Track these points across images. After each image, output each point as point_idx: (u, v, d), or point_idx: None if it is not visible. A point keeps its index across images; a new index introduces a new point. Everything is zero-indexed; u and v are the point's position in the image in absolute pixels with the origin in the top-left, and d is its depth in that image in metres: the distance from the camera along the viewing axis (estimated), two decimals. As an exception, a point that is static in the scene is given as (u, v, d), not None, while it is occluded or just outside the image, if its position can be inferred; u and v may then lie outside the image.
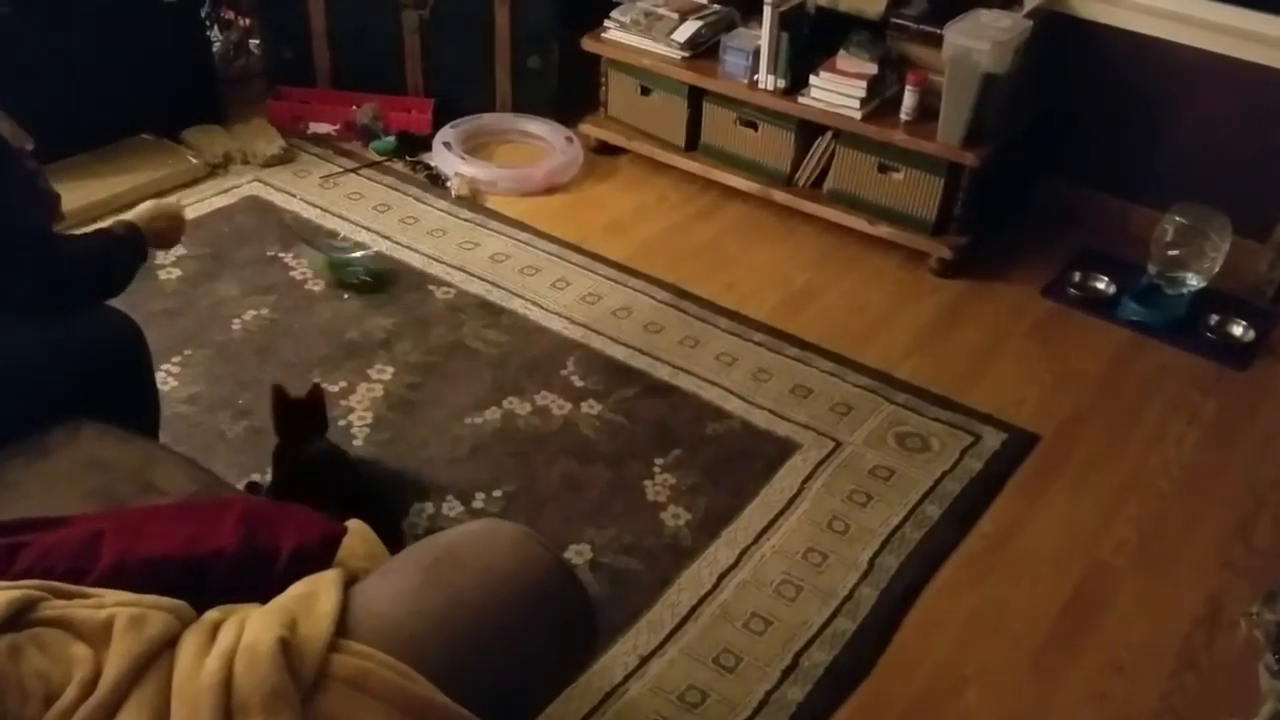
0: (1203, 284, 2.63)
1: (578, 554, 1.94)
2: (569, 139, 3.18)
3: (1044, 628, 1.88)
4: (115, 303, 1.58)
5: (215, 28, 3.41)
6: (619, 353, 2.44)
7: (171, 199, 1.81)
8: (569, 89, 3.26)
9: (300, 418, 1.93)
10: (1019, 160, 2.88)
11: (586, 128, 3.21)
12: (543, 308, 2.58)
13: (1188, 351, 2.55)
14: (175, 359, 2.29)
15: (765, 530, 2.02)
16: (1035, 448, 2.25)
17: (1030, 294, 2.73)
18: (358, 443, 2.15)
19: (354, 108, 3.19)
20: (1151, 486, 2.18)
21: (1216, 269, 2.62)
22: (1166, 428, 2.33)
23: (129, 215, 1.67)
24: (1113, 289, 2.70)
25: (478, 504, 2.03)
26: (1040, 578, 1.97)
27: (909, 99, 2.66)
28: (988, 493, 2.13)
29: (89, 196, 2.68)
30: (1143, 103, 2.80)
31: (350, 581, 1.02)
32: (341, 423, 2.19)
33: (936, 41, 2.58)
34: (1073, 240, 2.91)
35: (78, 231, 1.56)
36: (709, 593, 1.89)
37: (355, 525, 1.17)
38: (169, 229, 1.72)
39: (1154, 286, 2.65)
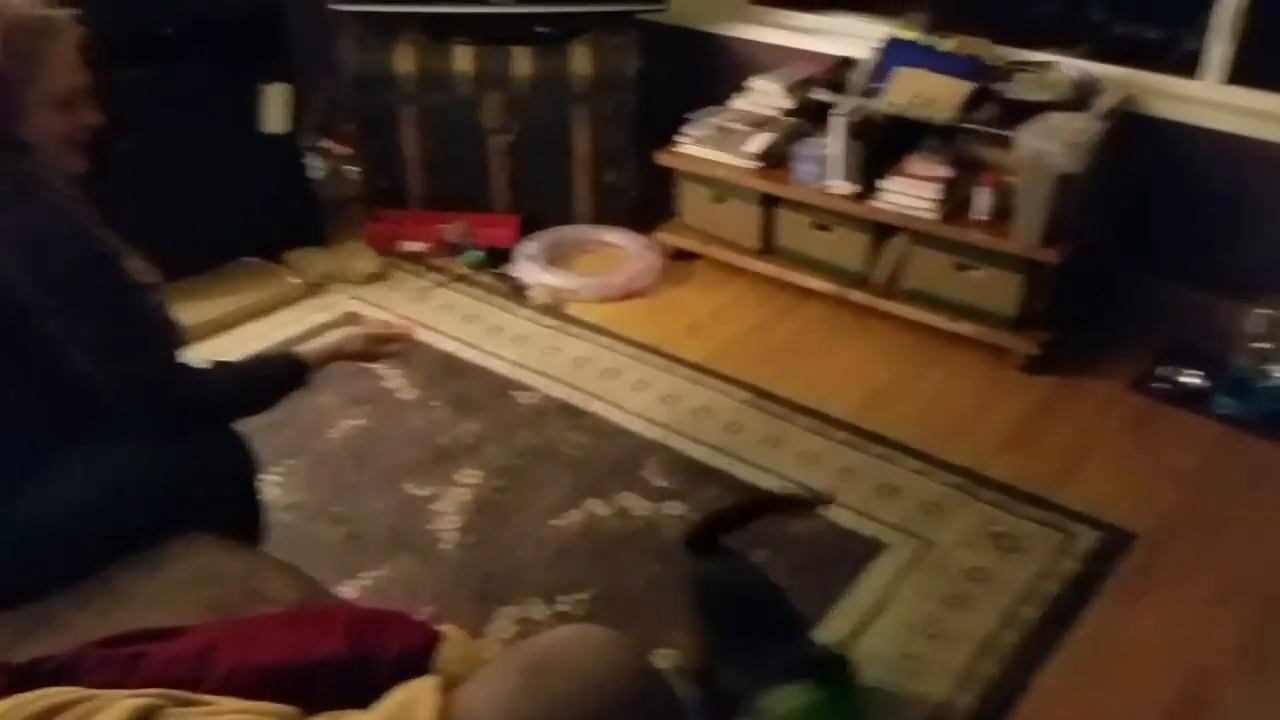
0: (1297, 376, 2.57)
1: (665, 658, 1.93)
2: (646, 247, 3.28)
3: (1151, 736, 1.80)
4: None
5: (315, 156, 3.63)
6: (700, 453, 2.47)
7: (383, 322, 1.91)
8: (645, 199, 3.38)
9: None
10: (1101, 255, 2.88)
11: (663, 235, 3.31)
12: (624, 409, 2.63)
13: (1285, 445, 2.47)
14: (277, 469, 2.40)
15: (856, 634, 1.99)
16: (1132, 547, 2.19)
17: (1119, 389, 2.69)
18: (446, 547, 2.20)
19: (444, 226, 3.35)
20: (1254, 585, 2.10)
21: (1311, 360, 2.56)
22: (1266, 524, 2.25)
23: (319, 343, 1.76)
24: (1203, 383, 2.65)
25: (563, 606, 2.05)
26: (1142, 682, 1.90)
27: (984, 199, 2.70)
28: (1085, 594, 2.08)
29: (198, 317, 2.85)
30: (1223, 196, 2.79)
31: (449, 686, 1.05)
32: (430, 527, 2.25)
33: (1008, 143, 2.63)
34: (1159, 334, 2.87)
35: (217, 360, 1.64)
36: (799, 699, 1.86)
37: (452, 630, 1.21)
38: (372, 351, 1.82)
39: (1245, 380, 2.59)
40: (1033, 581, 2.10)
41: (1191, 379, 2.67)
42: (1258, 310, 2.58)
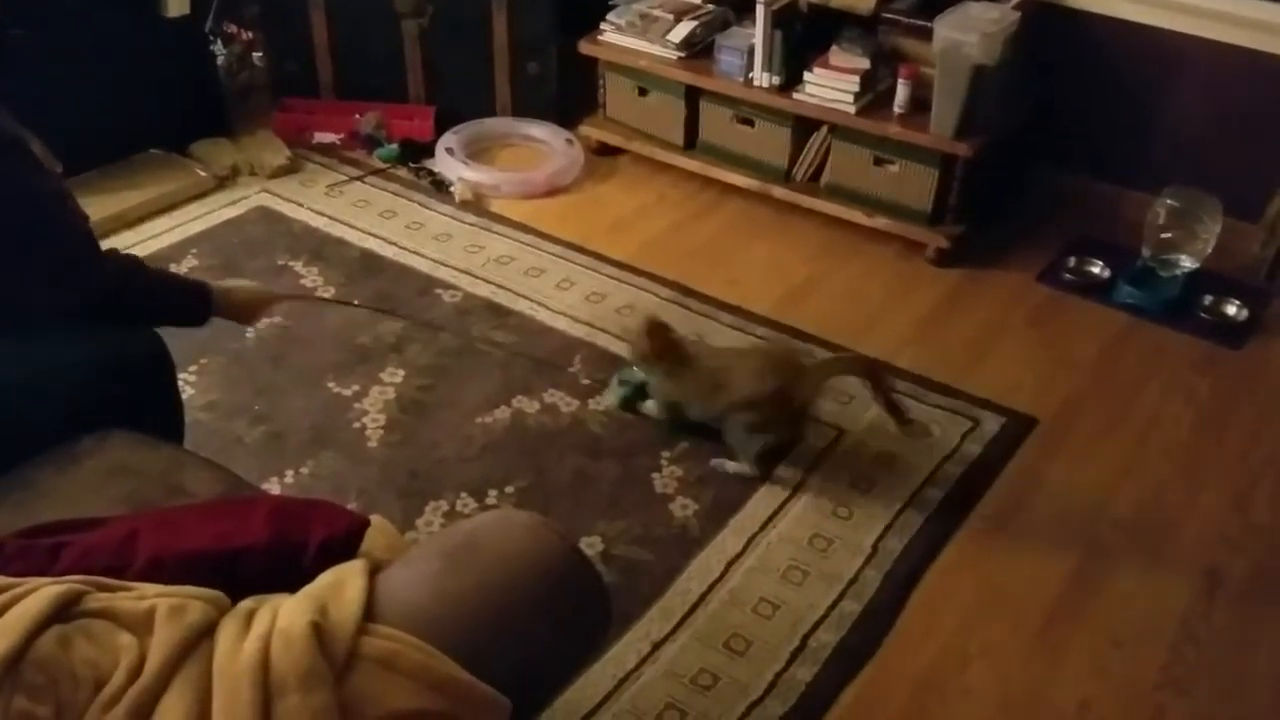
0: (1196, 265, 2.68)
1: (590, 546, 1.99)
2: (569, 141, 3.23)
3: (1045, 605, 1.93)
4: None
5: (219, 42, 3.46)
6: (624, 349, 2.49)
7: (263, 288, 1.90)
8: (568, 92, 3.31)
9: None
10: (1012, 149, 2.93)
11: (586, 129, 3.26)
12: (548, 308, 2.63)
13: (1182, 332, 2.59)
14: (192, 368, 2.36)
15: (771, 518, 2.07)
16: (1034, 431, 2.30)
17: (1026, 281, 2.78)
18: (372, 444, 2.21)
19: (357, 117, 3.25)
20: (1149, 465, 2.23)
21: (1209, 250, 2.66)
22: (1163, 407, 2.38)
23: (226, 282, 1.77)
24: (1107, 273, 2.75)
25: (491, 501, 2.09)
26: (1041, 557, 2.02)
27: (901, 92, 2.71)
28: (988, 476, 2.18)
29: (102, 211, 2.74)
30: (1132, 88, 2.85)
31: (375, 570, 1.07)
32: (355, 425, 2.25)
33: (927, 35, 2.63)
34: (1067, 226, 2.95)
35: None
36: (718, 580, 1.94)
37: (377, 520, 1.22)
38: (247, 309, 1.80)
39: (1148, 269, 2.70)
40: (938, 465, 2.20)
41: (1097, 269, 2.77)
42: (1161, 201, 2.67)
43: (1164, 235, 2.67)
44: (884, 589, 1.93)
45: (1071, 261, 2.79)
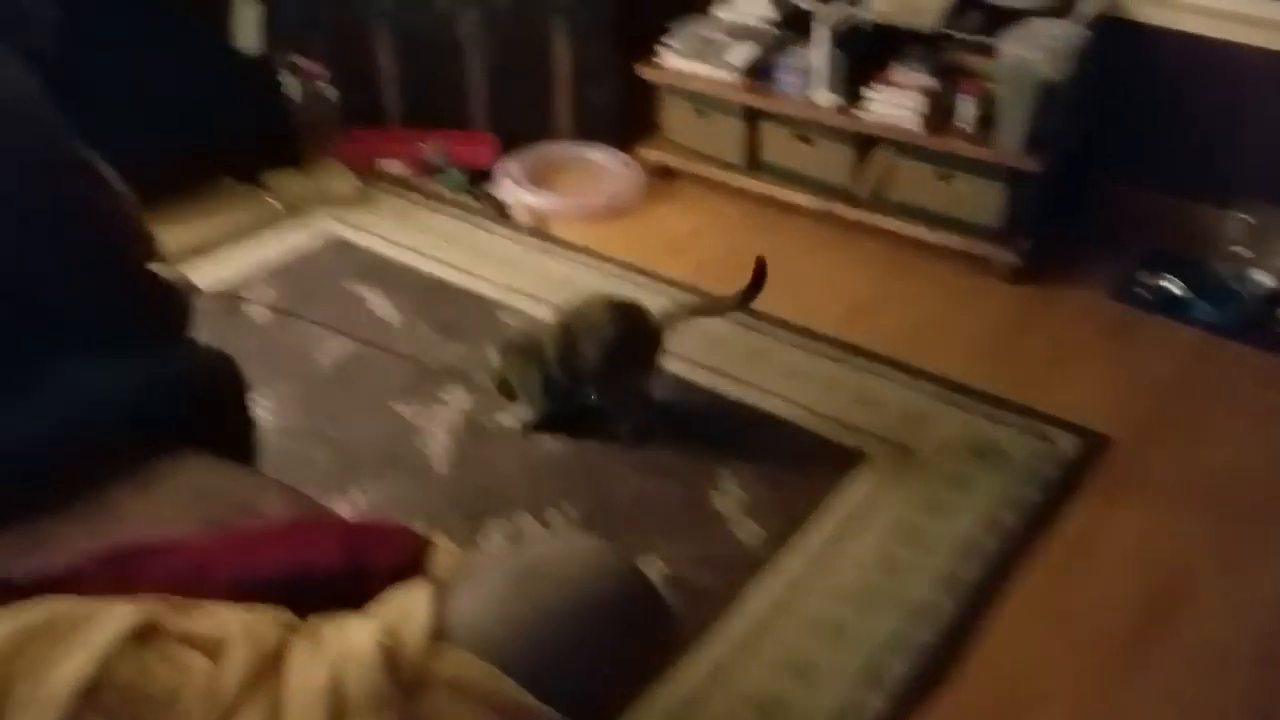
0: (1274, 282, 2.59)
1: (650, 567, 1.98)
2: (628, 164, 3.25)
3: (1122, 630, 1.87)
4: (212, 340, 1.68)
5: (288, 74, 3.56)
6: (684, 369, 2.49)
7: None
8: (627, 115, 3.33)
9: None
10: (1081, 163, 2.87)
11: (645, 152, 3.28)
12: (610, 330, 2.63)
13: (1261, 350, 2.51)
14: (266, 392, 2.41)
15: (837, 540, 2.04)
16: (1110, 451, 2.24)
17: (1098, 297, 2.72)
18: (437, 465, 2.23)
19: (422, 144, 3.31)
20: (1228, 486, 2.15)
21: (1288, 266, 2.58)
22: (1241, 427, 2.30)
23: None
24: (1182, 290, 2.67)
25: (552, 520, 2.09)
26: (1118, 581, 1.96)
27: (966, 108, 2.68)
28: (1063, 498, 2.13)
29: (176, 240, 2.81)
30: (1204, 102, 2.78)
31: (440, 592, 1.08)
32: (421, 446, 2.28)
33: (991, 51, 2.60)
34: (1139, 242, 2.88)
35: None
36: (781, 602, 1.92)
37: (442, 541, 1.23)
38: None
39: (1224, 286, 2.62)
40: (1012, 487, 2.15)
41: (1171, 286, 2.69)
42: (1237, 216, 2.59)
43: (1240, 251, 2.60)
44: (957, 616, 1.88)
45: (1145, 278, 2.72)
